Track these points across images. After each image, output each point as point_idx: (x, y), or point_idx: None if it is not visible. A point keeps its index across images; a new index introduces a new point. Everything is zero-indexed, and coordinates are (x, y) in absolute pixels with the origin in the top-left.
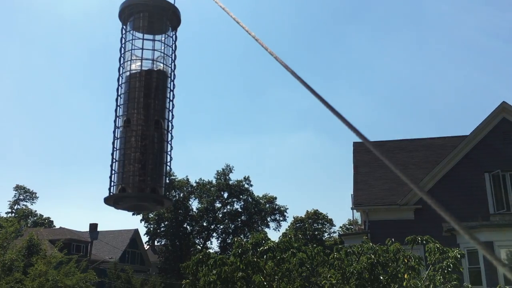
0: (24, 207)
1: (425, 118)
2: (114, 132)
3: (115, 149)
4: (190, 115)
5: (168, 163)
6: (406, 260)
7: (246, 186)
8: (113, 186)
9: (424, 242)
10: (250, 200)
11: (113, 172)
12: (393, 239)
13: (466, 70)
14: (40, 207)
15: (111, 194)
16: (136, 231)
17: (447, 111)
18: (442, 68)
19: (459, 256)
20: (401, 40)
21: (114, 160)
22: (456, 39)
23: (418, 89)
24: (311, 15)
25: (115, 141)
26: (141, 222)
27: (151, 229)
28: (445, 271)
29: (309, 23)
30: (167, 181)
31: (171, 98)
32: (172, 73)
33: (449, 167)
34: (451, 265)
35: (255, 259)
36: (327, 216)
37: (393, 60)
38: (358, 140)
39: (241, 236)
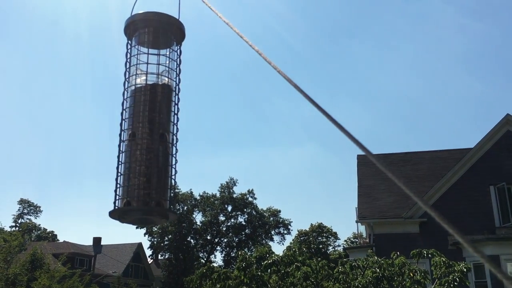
0: (28, 221)
1: (429, 131)
2: (119, 145)
3: (120, 163)
4: (194, 128)
5: (173, 177)
6: (411, 274)
7: (250, 199)
8: (118, 199)
9: (429, 255)
10: (254, 213)
11: (118, 185)
12: (398, 253)
13: (470, 82)
14: (44, 221)
15: (116, 208)
16: (139, 245)
17: (451, 124)
18: (446, 80)
19: (465, 270)
20: (404, 53)
21: (119, 174)
22: (459, 52)
23: (421, 101)
24: (314, 28)
25: (120, 154)
26: (144, 235)
27: (155, 242)
28: (451, 285)
29: (312, 36)
30: (172, 194)
31: (176, 112)
32: (177, 87)
33: (453, 180)
34: (457, 279)
35: (259, 273)
36: (332, 230)
37: (396, 73)
38: (362, 153)
39: (245, 250)
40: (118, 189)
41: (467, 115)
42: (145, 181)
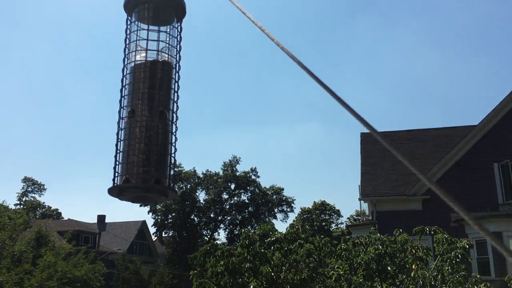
0: (32, 199)
1: (434, 108)
2: (118, 122)
3: (119, 140)
4: (197, 106)
5: (173, 154)
6: (414, 251)
7: (253, 177)
8: (117, 176)
9: (432, 232)
10: (257, 191)
11: (117, 162)
12: (400, 230)
13: (476, 58)
14: (48, 199)
15: (115, 185)
16: (143, 223)
17: (456, 101)
18: (451, 57)
19: (467, 246)
20: (410, 30)
21: (118, 151)
22: (465, 28)
23: (427, 78)
24: (319, 4)
25: (120, 131)
26: (148, 213)
27: (159, 220)
28: (453, 261)
29: (317, 13)
30: (172, 172)
31: (176, 89)
32: (177, 64)
33: (457, 157)
34: (459, 255)
35: (263, 250)
36: (335, 207)
37: (401, 49)
38: (366, 130)
39: (248, 227)
40: (117, 166)
41: (473, 92)
42: (144, 158)
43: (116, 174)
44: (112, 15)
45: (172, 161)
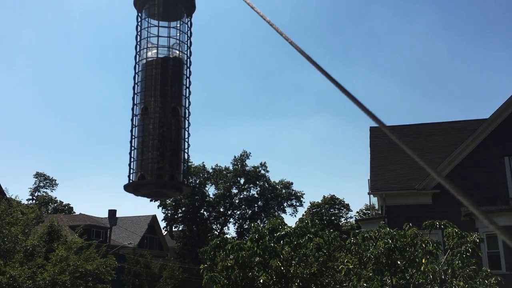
0: (44, 194)
1: (447, 100)
2: (132, 120)
3: (133, 137)
4: (207, 101)
5: (186, 150)
6: (423, 245)
7: (262, 172)
8: (133, 173)
9: (442, 226)
10: (267, 185)
11: (132, 159)
12: (410, 224)
13: (490, 50)
14: (60, 194)
15: (131, 181)
16: (154, 217)
17: (470, 93)
18: (465, 49)
19: (477, 240)
20: (424, 20)
21: (132, 148)
22: (480, 19)
23: (440, 70)
24: None
25: (133, 128)
26: (158, 208)
27: (169, 215)
28: (464, 255)
29: (330, 3)
30: (185, 167)
31: (188, 85)
32: (188, 60)
33: (468, 151)
34: (469, 249)
35: (272, 244)
36: (344, 201)
37: (415, 39)
38: (375, 124)
39: (258, 222)
40: (132, 163)
41: (487, 84)
42: (159, 155)
43: (131, 171)
44: (123, 11)
45: (185, 156)
